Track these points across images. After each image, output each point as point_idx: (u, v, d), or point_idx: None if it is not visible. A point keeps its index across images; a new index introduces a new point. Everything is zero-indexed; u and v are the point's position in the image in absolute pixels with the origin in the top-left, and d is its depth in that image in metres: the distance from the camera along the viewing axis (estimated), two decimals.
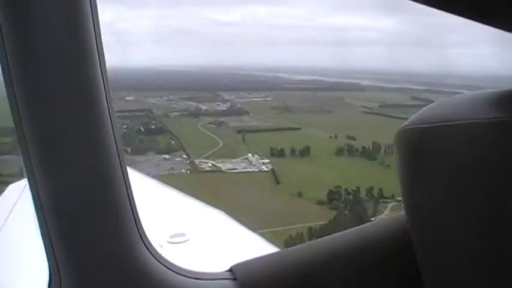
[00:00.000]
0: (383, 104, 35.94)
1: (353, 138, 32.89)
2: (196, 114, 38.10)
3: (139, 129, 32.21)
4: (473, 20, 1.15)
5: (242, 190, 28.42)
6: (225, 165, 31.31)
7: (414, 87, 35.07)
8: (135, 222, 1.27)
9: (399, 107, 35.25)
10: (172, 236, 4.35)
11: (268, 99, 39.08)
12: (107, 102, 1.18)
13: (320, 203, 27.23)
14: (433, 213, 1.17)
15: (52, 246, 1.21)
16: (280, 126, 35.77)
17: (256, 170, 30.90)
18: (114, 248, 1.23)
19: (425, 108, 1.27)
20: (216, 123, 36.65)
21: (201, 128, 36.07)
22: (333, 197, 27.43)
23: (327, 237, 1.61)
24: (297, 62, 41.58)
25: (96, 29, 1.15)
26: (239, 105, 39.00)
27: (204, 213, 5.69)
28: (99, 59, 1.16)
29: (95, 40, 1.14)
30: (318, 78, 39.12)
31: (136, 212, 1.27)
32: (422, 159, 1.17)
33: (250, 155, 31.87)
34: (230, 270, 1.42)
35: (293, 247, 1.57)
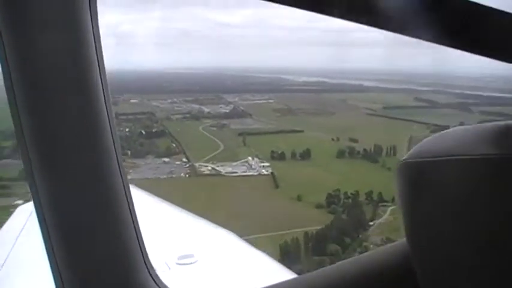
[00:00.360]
0: (387, 105, 35.27)
1: (355, 141, 32.26)
2: (199, 116, 37.72)
3: (141, 132, 31.94)
4: (474, 54, 1.19)
5: (240, 194, 27.95)
6: (225, 169, 30.91)
7: (418, 88, 34.33)
8: (139, 244, 1.28)
9: (403, 108, 34.61)
10: (180, 258, 4.34)
11: (271, 101, 38.61)
12: (106, 104, 1.18)
13: (319, 206, 26.70)
14: (431, 242, 1.21)
15: (54, 254, 1.23)
16: (282, 128, 35.25)
17: (255, 173, 30.44)
18: (116, 269, 1.26)
19: (425, 140, 1.29)
20: (218, 126, 36.26)
21: (202, 131, 35.68)
22: (331, 200, 26.87)
23: (335, 265, 1.65)
24: (300, 63, 40.94)
25: (95, 32, 1.16)
26: (242, 108, 38.62)
27: (212, 234, 5.63)
28: (98, 61, 1.16)
29: (93, 42, 1.15)
30: (321, 79, 38.55)
31: (140, 235, 1.29)
32: (421, 191, 1.20)
33: (250, 158, 31.41)
34: None
35: (302, 275, 1.65)
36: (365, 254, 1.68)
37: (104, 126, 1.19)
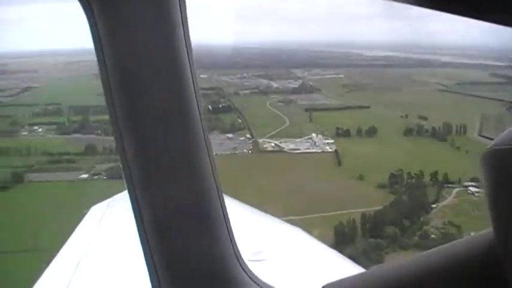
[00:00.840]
0: (460, 81, 33.31)
1: (424, 118, 30.76)
2: (267, 92, 37.30)
3: (207, 108, 31.91)
4: (470, 18, 1.14)
5: (301, 171, 27.40)
6: (288, 145, 30.40)
7: (494, 63, 32.08)
8: (229, 236, 1.30)
9: (477, 84, 32.54)
10: (252, 254, 4.10)
11: (341, 76, 37.54)
12: (194, 87, 1.21)
13: (381, 186, 25.76)
14: None
15: (151, 253, 1.25)
16: (349, 104, 34.18)
17: (319, 150, 29.76)
18: (209, 263, 1.28)
19: (510, 128, 1.23)
20: (285, 101, 35.69)
21: (269, 106, 35.24)
22: (394, 180, 25.79)
23: (416, 256, 1.54)
24: (373, 37, 39.29)
25: (182, 11, 1.18)
26: (311, 83, 37.79)
27: (280, 231, 5.50)
28: (186, 43, 1.18)
29: (181, 21, 1.17)
30: (392, 54, 36.88)
31: (230, 226, 1.31)
32: (509, 179, 1.15)
33: (314, 135, 30.71)
34: None
35: (380, 266, 1.57)
36: (449, 244, 1.55)
37: (193, 110, 1.22)
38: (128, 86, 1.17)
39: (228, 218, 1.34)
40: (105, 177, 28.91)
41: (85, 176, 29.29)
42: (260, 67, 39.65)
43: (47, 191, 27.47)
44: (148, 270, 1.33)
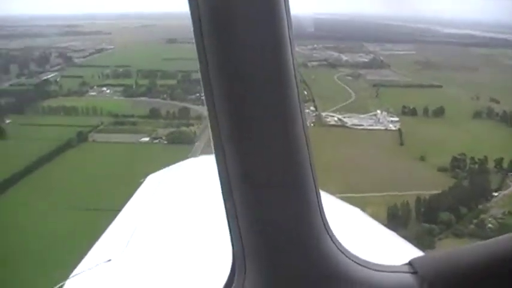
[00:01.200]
0: None
1: (496, 101, 29.18)
2: (335, 64, 36.58)
3: None
4: None
5: (361, 149, 26.82)
6: (351, 121, 29.78)
7: None
8: (319, 209, 1.25)
9: None
10: None
11: (413, 52, 36.16)
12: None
13: (441, 170, 24.80)
14: None
15: (236, 215, 1.22)
16: (419, 82, 32.96)
17: (382, 128, 28.98)
18: (297, 231, 1.24)
19: None
20: (354, 76, 34.90)
21: (336, 80, 34.58)
22: (456, 164, 24.74)
23: (503, 236, 1.47)
24: (454, 14, 37.43)
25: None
26: (382, 58, 36.70)
27: (339, 210, 5.52)
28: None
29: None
30: (471, 32, 35.09)
31: (320, 195, 1.26)
32: None
33: (379, 111, 29.92)
34: (410, 264, 1.38)
35: (466, 246, 1.49)
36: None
37: (289, 72, 1.14)
38: (220, 32, 1.12)
39: (318, 187, 1.27)
40: (165, 142, 29.55)
41: (146, 139, 29.99)
42: (332, 39, 38.89)
43: (109, 152, 28.40)
44: (231, 234, 1.27)
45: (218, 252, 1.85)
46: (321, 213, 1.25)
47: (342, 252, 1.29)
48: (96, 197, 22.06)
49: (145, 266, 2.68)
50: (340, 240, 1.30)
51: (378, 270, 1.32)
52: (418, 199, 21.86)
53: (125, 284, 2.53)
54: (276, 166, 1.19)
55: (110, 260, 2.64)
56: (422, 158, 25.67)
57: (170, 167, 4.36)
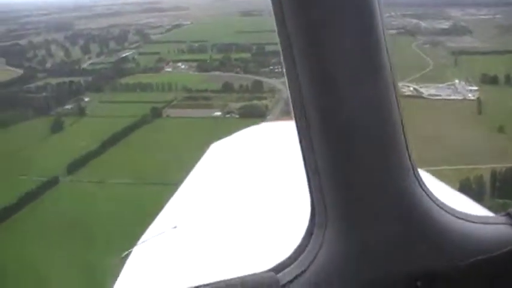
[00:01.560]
0: None
1: None
2: (414, 32, 35.32)
3: None
4: None
5: (437, 119, 25.93)
6: (428, 91, 28.81)
7: None
8: (409, 157, 1.19)
9: None
10: None
11: (498, 16, 34.18)
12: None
13: None
14: None
15: (318, 171, 1.18)
16: (504, 48, 31.13)
17: (460, 97, 27.84)
18: (385, 180, 1.18)
19: None
20: (432, 43, 33.55)
21: (414, 48, 33.42)
22: None
23: None
24: None
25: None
26: (463, 23, 34.99)
27: None
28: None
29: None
30: None
31: (409, 145, 1.19)
32: None
33: (457, 81, 28.73)
34: (508, 214, 1.31)
35: None
36: None
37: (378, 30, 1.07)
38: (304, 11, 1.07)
39: (406, 133, 1.20)
40: (237, 116, 29.98)
41: (218, 113, 30.64)
42: (410, 5, 37.56)
43: (180, 127, 29.16)
44: (311, 188, 1.22)
45: (287, 215, 1.87)
46: (413, 168, 1.19)
47: (435, 202, 1.24)
48: (165, 171, 22.87)
49: (211, 232, 2.64)
50: (434, 193, 1.25)
51: (476, 222, 1.27)
52: (494, 172, 20.98)
53: (191, 250, 2.50)
54: (361, 120, 1.14)
55: (175, 227, 2.68)
56: (500, 129, 24.41)
57: (233, 135, 4.26)
